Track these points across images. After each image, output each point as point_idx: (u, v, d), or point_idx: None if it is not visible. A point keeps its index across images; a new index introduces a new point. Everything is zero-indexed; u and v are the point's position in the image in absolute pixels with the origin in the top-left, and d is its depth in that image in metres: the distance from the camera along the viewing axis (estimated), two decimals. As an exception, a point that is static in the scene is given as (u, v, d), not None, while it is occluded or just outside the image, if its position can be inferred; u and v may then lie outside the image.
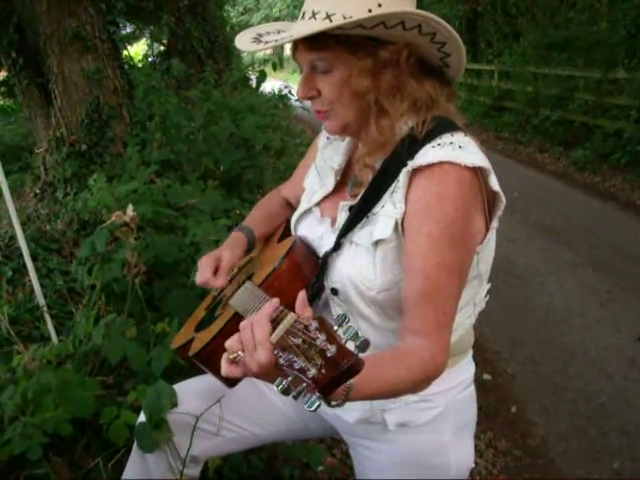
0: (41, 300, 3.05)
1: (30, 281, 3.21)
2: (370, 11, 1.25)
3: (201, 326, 1.68)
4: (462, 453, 1.59)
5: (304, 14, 1.34)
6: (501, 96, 14.11)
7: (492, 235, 1.43)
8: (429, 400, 1.49)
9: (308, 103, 1.47)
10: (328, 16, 1.28)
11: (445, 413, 1.52)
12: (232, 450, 1.90)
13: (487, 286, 1.54)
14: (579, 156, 9.73)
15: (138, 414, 1.94)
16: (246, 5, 27.84)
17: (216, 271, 1.65)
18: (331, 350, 0.92)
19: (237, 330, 1.13)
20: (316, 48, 1.33)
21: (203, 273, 1.64)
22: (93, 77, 5.72)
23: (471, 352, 1.63)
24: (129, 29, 14.75)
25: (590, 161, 9.47)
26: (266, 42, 1.39)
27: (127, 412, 2.26)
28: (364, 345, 0.97)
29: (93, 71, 5.73)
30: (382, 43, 1.31)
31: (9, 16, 6.16)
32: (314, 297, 1.49)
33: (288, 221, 1.76)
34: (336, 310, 1.48)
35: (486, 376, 4.01)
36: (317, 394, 0.93)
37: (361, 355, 0.96)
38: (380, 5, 1.26)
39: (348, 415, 1.57)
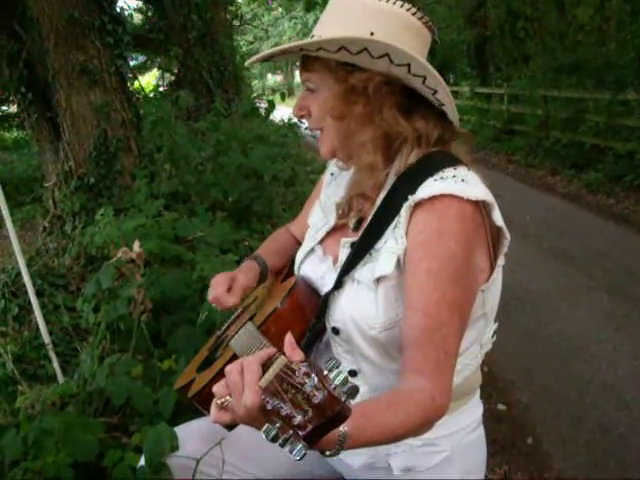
0: (46, 338, 3.03)
1: (36, 318, 3.19)
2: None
3: (203, 367, 1.66)
4: (471, 499, 1.53)
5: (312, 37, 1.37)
6: (511, 119, 14.11)
7: (499, 273, 1.38)
8: (435, 444, 1.44)
9: (318, 131, 1.47)
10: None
11: (452, 457, 1.47)
12: (235, 494, 1.85)
13: (494, 326, 1.49)
14: (591, 179, 9.66)
15: (143, 456, 1.90)
16: (256, 34, 28.15)
17: (229, 291, 1.63)
18: (318, 396, 0.88)
19: None
20: (307, 68, 1.38)
21: (216, 289, 1.62)
22: (101, 110, 5.77)
23: (478, 393, 1.58)
24: (142, 58, 14.93)
25: (602, 183, 9.39)
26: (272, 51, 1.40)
27: (132, 454, 2.21)
28: (353, 391, 0.92)
29: (101, 104, 5.77)
30: (356, 70, 1.31)
31: (19, 52, 6.27)
32: (315, 338, 1.45)
33: (292, 260, 1.73)
34: (337, 350, 1.44)
35: (500, 406, 3.93)
36: (303, 442, 0.89)
37: (355, 401, 0.92)
38: (372, 34, 1.27)
39: (352, 460, 1.52)
